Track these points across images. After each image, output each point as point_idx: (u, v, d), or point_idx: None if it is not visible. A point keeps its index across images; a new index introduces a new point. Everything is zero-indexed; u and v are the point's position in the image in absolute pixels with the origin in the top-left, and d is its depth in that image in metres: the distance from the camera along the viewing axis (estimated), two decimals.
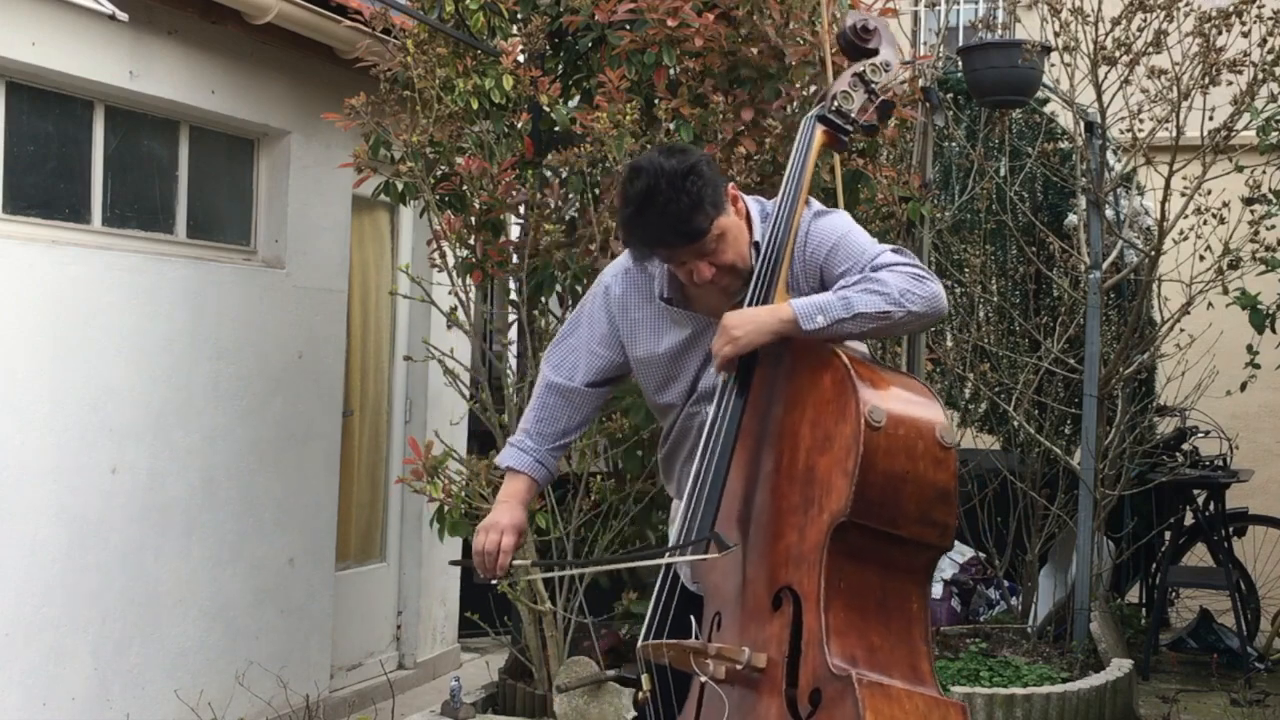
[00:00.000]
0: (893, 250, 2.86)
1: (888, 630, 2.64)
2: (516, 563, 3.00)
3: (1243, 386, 6.77)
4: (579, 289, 5.35)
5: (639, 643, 2.89)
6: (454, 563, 3.61)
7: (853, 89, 3.02)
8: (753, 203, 3.00)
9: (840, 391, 2.66)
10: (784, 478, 2.72)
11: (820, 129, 3.01)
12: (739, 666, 2.65)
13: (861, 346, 2.91)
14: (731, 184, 2.91)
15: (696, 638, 2.82)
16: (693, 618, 2.85)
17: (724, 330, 2.79)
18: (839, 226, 2.95)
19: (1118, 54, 5.98)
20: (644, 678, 2.86)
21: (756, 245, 2.92)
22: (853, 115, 3.01)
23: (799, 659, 2.59)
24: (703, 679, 2.73)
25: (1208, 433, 7.32)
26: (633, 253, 2.96)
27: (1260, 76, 5.96)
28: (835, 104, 3.01)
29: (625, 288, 3.09)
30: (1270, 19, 5.94)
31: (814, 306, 2.75)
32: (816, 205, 3.00)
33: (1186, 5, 5.99)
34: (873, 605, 2.63)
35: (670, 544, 2.98)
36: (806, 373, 2.76)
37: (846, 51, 3.13)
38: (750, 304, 2.84)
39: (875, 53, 3.07)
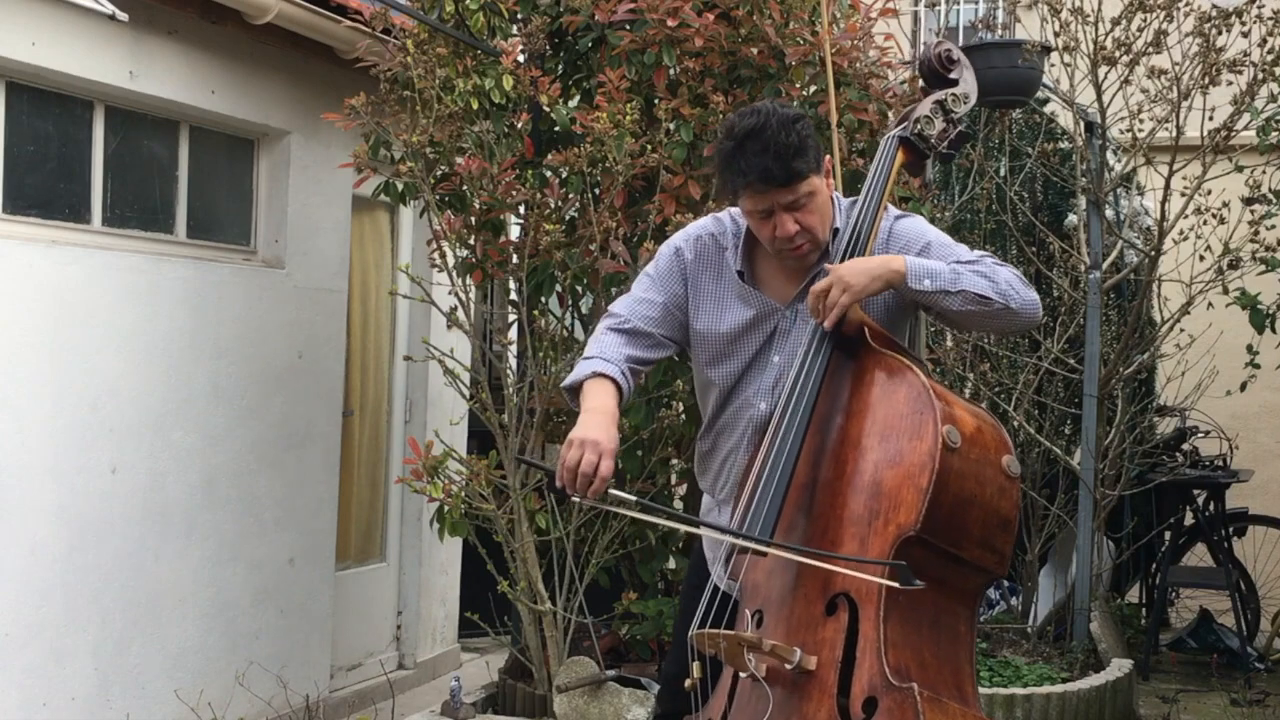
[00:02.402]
0: (988, 254, 2.95)
1: (938, 649, 2.66)
2: (613, 491, 2.72)
3: (1243, 386, 6.78)
4: (579, 289, 5.35)
5: (690, 631, 2.87)
6: (526, 461, 3.34)
7: (934, 115, 3.12)
8: (836, 195, 3.05)
9: (917, 408, 2.68)
10: (846, 485, 2.73)
11: (901, 149, 3.10)
12: (788, 666, 2.64)
13: (925, 365, 2.92)
14: (828, 158, 2.96)
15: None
16: (747, 613, 2.83)
17: (837, 274, 2.81)
18: (926, 230, 3.03)
19: (1118, 54, 5.98)
20: (695, 665, 2.84)
21: (836, 231, 2.97)
22: (932, 140, 3.11)
23: (853, 666, 2.59)
24: (743, 674, 2.73)
25: (1208, 433, 7.33)
26: (727, 186, 2.94)
27: (1260, 76, 5.96)
28: (918, 127, 3.10)
29: (696, 254, 3.09)
30: (1270, 19, 5.94)
31: (924, 269, 2.83)
32: (895, 210, 3.07)
33: (1186, 5, 5.99)
34: (926, 622, 2.65)
35: (722, 544, 2.95)
36: (878, 384, 2.78)
37: (927, 79, 3.22)
38: None
39: (956, 83, 3.17)
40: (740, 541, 2.79)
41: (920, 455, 2.63)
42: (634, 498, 2.76)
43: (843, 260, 2.91)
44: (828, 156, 2.94)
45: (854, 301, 2.80)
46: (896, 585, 2.55)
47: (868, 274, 2.81)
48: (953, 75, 3.17)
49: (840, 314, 2.80)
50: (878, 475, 2.69)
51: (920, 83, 3.29)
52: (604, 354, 2.97)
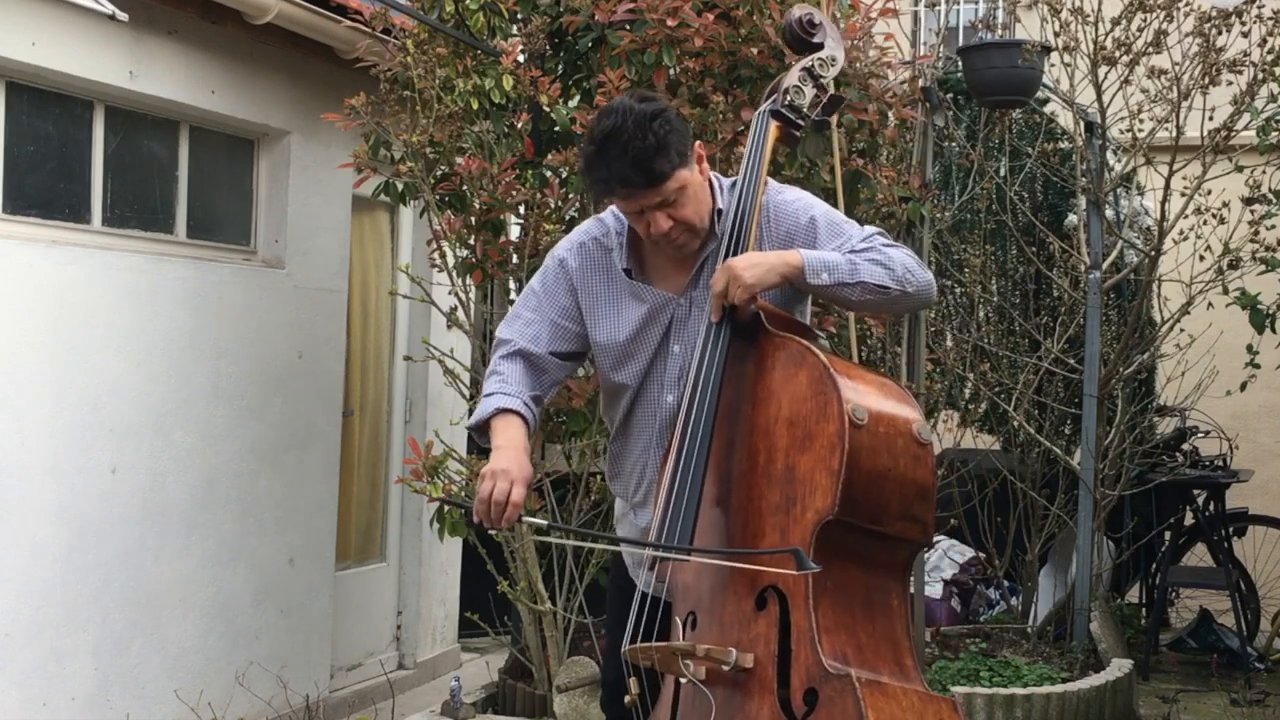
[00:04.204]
0: (878, 232, 2.90)
1: (873, 627, 2.63)
2: (526, 518, 2.83)
3: (1243, 386, 6.78)
4: None
5: (622, 647, 2.84)
6: (445, 501, 3.42)
7: (802, 83, 3.05)
8: (713, 176, 2.99)
9: (820, 389, 2.65)
10: (761, 476, 2.70)
11: (774, 124, 3.04)
12: (725, 667, 2.62)
13: (824, 340, 2.91)
14: (700, 143, 2.90)
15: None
16: (678, 620, 2.80)
17: (731, 273, 2.77)
18: (811, 203, 2.98)
19: (1118, 54, 5.98)
20: (631, 681, 2.82)
21: (719, 213, 2.92)
22: (804, 109, 3.05)
23: (789, 658, 2.57)
24: (682, 680, 2.70)
25: (1208, 433, 7.32)
26: (593, 191, 2.91)
27: (1260, 76, 5.96)
28: (787, 98, 3.04)
29: (581, 261, 3.04)
30: (1270, 19, 5.94)
31: (820, 262, 2.79)
32: (775, 185, 3.02)
33: (1186, 5, 5.99)
34: (858, 602, 2.63)
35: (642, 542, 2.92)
36: (779, 369, 2.74)
37: (792, 45, 3.17)
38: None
39: (820, 47, 3.10)
40: (648, 552, 2.81)
41: (829, 437, 2.60)
42: (544, 522, 2.91)
43: (730, 242, 2.87)
44: (697, 143, 2.88)
45: (749, 296, 2.76)
46: (793, 573, 2.55)
47: (763, 268, 2.77)
48: (816, 39, 3.11)
49: (737, 301, 2.76)
50: (790, 462, 2.66)
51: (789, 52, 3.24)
52: (504, 388, 2.96)
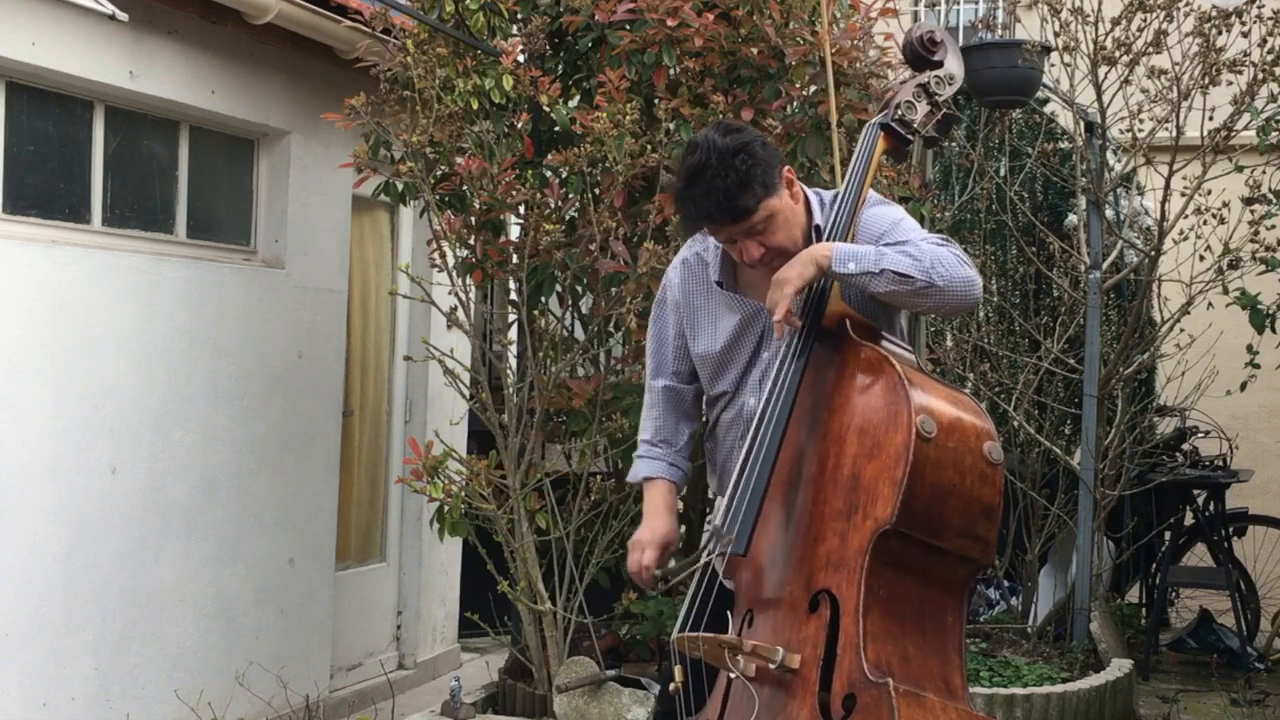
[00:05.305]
0: (940, 238, 2.91)
1: (923, 641, 2.64)
2: (657, 571, 3.14)
3: (1243, 386, 6.78)
4: (579, 289, 5.35)
5: (674, 634, 2.90)
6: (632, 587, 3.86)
7: (916, 99, 3.07)
8: (811, 193, 3.04)
9: (892, 398, 2.66)
10: (828, 481, 2.72)
11: (882, 135, 3.07)
12: (772, 666, 2.64)
13: (909, 354, 2.91)
14: (789, 168, 2.94)
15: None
16: (728, 613, 2.85)
17: (775, 279, 2.83)
18: (894, 214, 3.02)
19: (1118, 54, 5.98)
20: (677, 669, 2.87)
21: (818, 229, 2.97)
22: (915, 125, 3.07)
23: (834, 663, 2.58)
24: (732, 675, 2.73)
25: (1208, 433, 7.33)
26: (683, 226, 3.01)
27: (1260, 76, 5.96)
28: (899, 113, 3.07)
29: (683, 277, 3.16)
30: (1270, 19, 5.94)
31: (849, 253, 2.82)
32: (875, 197, 3.06)
33: (1186, 5, 5.99)
34: (910, 615, 2.63)
35: (712, 534, 2.98)
36: (856, 376, 2.76)
37: (912, 63, 3.17)
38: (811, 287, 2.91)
39: (940, 65, 3.12)
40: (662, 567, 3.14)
41: (895, 447, 2.60)
42: (674, 564, 3.20)
43: None
44: (786, 168, 2.91)
45: (792, 296, 2.80)
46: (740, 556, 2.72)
47: (800, 268, 2.82)
48: (936, 57, 3.12)
49: (785, 307, 2.80)
50: (856, 469, 2.67)
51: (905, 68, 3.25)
52: (649, 452, 3.23)
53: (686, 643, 2.83)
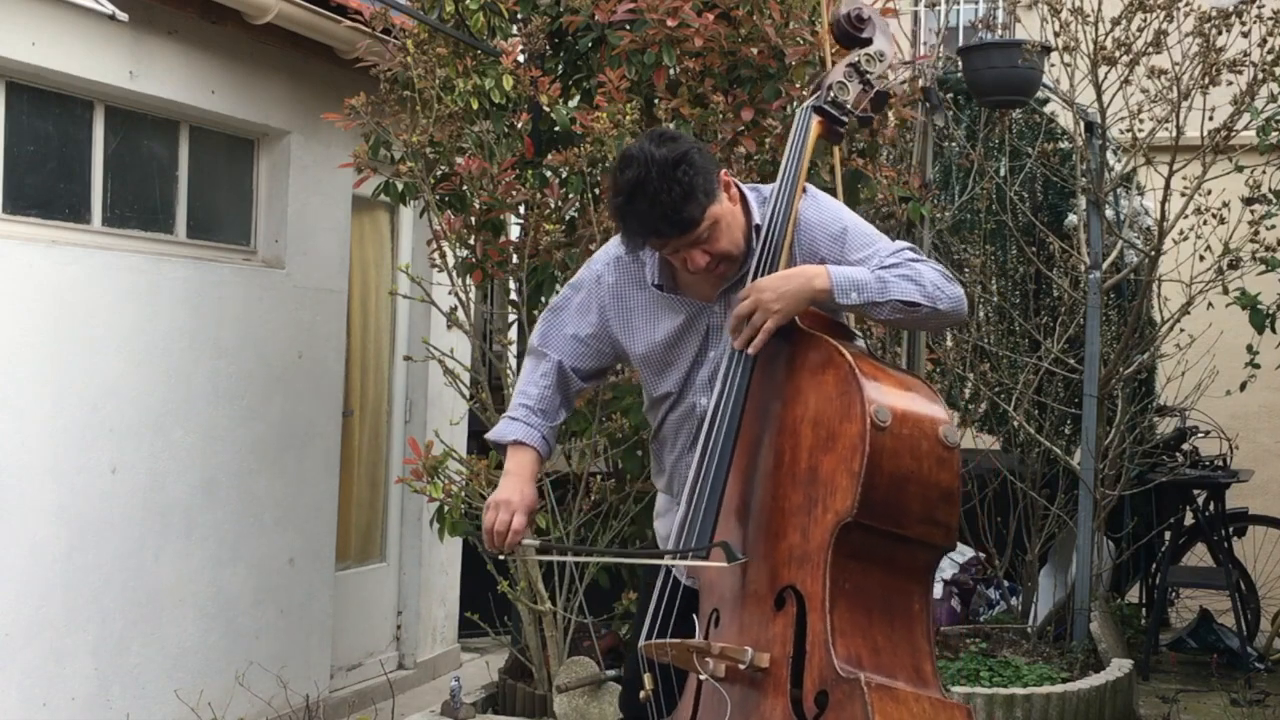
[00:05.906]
0: (912, 249, 2.87)
1: (891, 631, 2.62)
2: (525, 542, 2.98)
3: (1243, 386, 6.78)
4: None
5: (640, 642, 2.87)
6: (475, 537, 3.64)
7: (848, 79, 3.01)
8: (748, 189, 2.98)
9: (844, 389, 2.63)
10: (786, 476, 2.69)
11: (816, 119, 3.00)
12: (741, 666, 2.62)
13: (859, 340, 2.89)
14: (724, 169, 2.89)
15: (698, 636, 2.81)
16: (694, 615, 2.83)
17: (760, 300, 2.75)
18: (839, 214, 2.96)
19: (1118, 54, 5.97)
20: (646, 677, 2.84)
21: (758, 229, 2.90)
22: (848, 106, 3.00)
23: (804, 660, 2.57)
24: (702, 677, 2.71)
25: (1208, 433, 7.32)
26: (625, 242, 2.92)
27: (1260, 76, 5.96)
28: (831, 94, 3.00)
29: (618, 276, 3.06)
30: (1270, 19, 5.94)
31: (849, 281, 2.76)
32: (813, 190, 2.99)
33: (1186, 5, 5.99)
34: (877, 606, 2.62)
35: (670, 541, 2.95)
36: (808, 369, 2.73)
37: (840, 40, 3.12)
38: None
39: (869, 42, 3.06)
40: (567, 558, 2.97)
41: (851, 438, 2.58)
42: (537, 542, 3.16)
43: (763, 257, 2.85)
44: (723, 171, 2.86)
45: (779, 326, 2.74)
46: (724, 564, 2.60)
47: (792, 296, 2.74)
48: (865, 34, 3.06)
49: (765, 339, 2.75)
50: (813, 462, 2.65)
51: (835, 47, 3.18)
52: (528, 418, 3.06)
53: (654, 650, 2.80)
